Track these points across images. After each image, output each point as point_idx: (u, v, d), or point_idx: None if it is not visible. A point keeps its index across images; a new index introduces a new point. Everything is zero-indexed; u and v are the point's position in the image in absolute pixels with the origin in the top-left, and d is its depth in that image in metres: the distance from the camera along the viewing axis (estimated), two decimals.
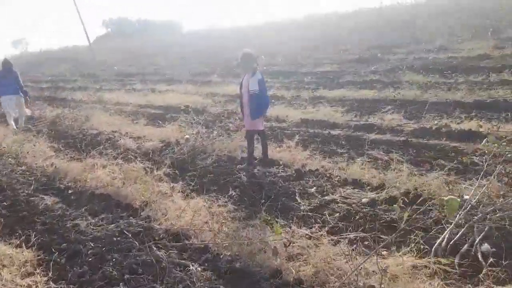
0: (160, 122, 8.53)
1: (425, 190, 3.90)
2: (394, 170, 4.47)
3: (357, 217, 3.71)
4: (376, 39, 19.37)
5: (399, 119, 6.52)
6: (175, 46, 30.91)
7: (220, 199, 4.27)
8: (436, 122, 6.04)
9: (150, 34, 43.63)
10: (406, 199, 3.10)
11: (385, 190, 4.03)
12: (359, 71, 12.21)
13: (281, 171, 5.06)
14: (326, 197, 4.16)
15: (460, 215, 3.19)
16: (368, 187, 4.29)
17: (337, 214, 3.79)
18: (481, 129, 5.36)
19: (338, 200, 4.05)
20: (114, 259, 3.31)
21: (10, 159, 6.52)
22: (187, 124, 7.56)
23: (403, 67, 10.70)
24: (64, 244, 3.63)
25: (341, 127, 6.67)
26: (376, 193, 4.07)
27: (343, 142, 5.90)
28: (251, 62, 5.18)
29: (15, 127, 8.89)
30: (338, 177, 4.64)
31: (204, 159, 5.85)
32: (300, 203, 4.06)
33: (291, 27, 33.49)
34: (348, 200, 4.05)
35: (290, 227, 3.47)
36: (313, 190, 4.41)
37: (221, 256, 3.25)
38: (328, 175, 4.78)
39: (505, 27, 16.02)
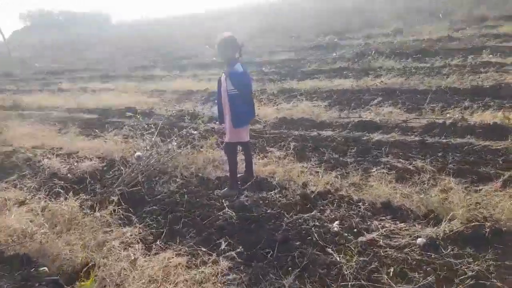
0: (98, 131, 6.70)
1: (502, 219, 2.78)
2: (435, 187, 3.33)
3: (421, 272, 2.47)
4: (327, 25, 18.58)
5: (400, 113, 5.45)
6: (106, 38, 27.89)
7: (203, 252, 2.83)
8: (447, 115, 5.02)
9: (75, 27, 39.40)
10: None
11: (444, 223, 2.84)
12: (322, 58, 11.15)
13: (279, 196, 3.69)
14: (360, 238, 2.88)
15: None
16: (411, 216, 3.09)
17: (391, 270, 2.53)
18: (509, 121, 4.42)
19: (381, 243, 2.79)
20: None
21: None
22: (134, 133, 5.87)
23: (371, 52, 9.79)
24: None
25: (331, 127, 5.45)
26: (431, 226, 2.88)
27: (343, 147, 4.68)
28: (229, 50, 3.77)
29: None
30: (361, 201, 3.39)
31: (166, 184, 4.30)
32: (330, 255, 2.73)
33: (232, 15, 31.94)
34: (394, 241, 2.81)
35: None
36: (336, 226, 3.11)
37: None
38: (345, 198, 3.50)
39: (453, 9, 15.99)
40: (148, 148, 4.81)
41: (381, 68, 8.67)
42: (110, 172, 4.91)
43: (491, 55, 7.83)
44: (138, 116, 5.48)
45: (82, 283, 2.71)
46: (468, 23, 13.07)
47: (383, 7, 19.41)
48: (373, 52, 9.76)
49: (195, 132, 5.51)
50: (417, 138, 4.49)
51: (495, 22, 12.25)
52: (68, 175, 4.85)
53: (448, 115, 5.01)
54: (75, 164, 5.19)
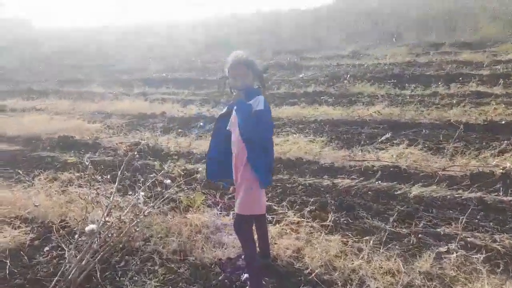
0: (21, 173, 4.87)
1: None
2: None
3: None
4: (278, 43, 17.92)
5: (422, 154, 4.51)
6: (26, 44, 24.50)
7: None
8: (488, 160, 4.17)
9: None
10: None
11: None
12: (289, 79, 10.19)
13: None
14: None
15: None
16: None
17: None
18: None
19: None
20: None
21: None
22: (78, 178, 4.24)
23: (346, 75, 9.03)
24: None
25: (345, 172, 4.33)
26: None
27: (376, 206, 3.56)
28: (248, 76, 2.51)
29: None
30: None
31: (138, 276, 2.81)
32: None
33: (177, 28, 30.32)
34: None
35: None
36: None
37: None
38: None
39: (403, 34, 16.21)
40: (105, 210, 3.24)
41: (362, 94, 7.89)
42: (44, 251, 3.26)
43: (475, 84, 7.42)
44: (86, 158, 3.85)
45: None
46: (424, 48, 13.10)
47: (331, 29, 19.31)
48: (348, 75, 9.01)
49: (167, 181, 4.02)
50: (472, 195, 3.53)
51: (451, 49, 12.35)
52: None
53: (488, 160, 4.16)
54: None
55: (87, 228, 3.09)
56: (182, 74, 13.08)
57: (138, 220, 3.35)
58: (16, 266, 3.05)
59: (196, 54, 17.42)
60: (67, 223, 3.65)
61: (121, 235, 3.25)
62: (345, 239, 3.05)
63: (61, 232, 3.39)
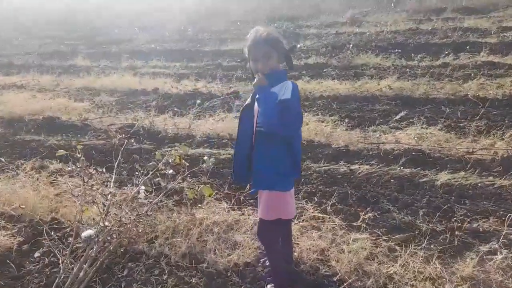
0: (3, 160, 4.42)
1: None
2: None
3: None
4: (272, 10, 17.09)
5: (443, 135, 4.16)
6: (2, 16, 23.03)
7: None
8: None
9: None
10: None
11: None
12: None
13: None
14: None
15: None
16: None
17: None
18: None
19: None
20: None
21: None
22: (68, 172, 3.82)
23: (348, 45, 8.52)
24: None
25: (362, 156, 3.97)
26: None
27: (402, 196, 3.24)
28: (273, 56, 2.06)
29: None
30: None
31: (147, 283, 2.49)
32: None
33: None
34: None
35: None
36: None
37: None
38: None
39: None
40: (102, 211, 2.86)
41: (367, 66, 7.45)
42: (34, 257, 2.90)
43: (485, 54, 7.02)
44: (78, 151, 3.39)
45: None
46: (426, 14, 12.54)
47: None
48: (351, 45, 8.50)
49: (170, 171, 3.61)
50: (506, 182, 3.22)
51: (454, 14, 11.85)
52: None
53: None
54: None
55: (83, 234, 2.72)
56: (172, 45, 12.36)
57: (141, 220, 2.99)
58: (3, 277, 2.69)
59: (187, 24, 16.53)
60: (59, 222, 3.27)
61: (122, 237, 2.90)
62: (373, 238, 2.75)
63: (52, 234, 3.02)
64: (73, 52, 12.39)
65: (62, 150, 3.10)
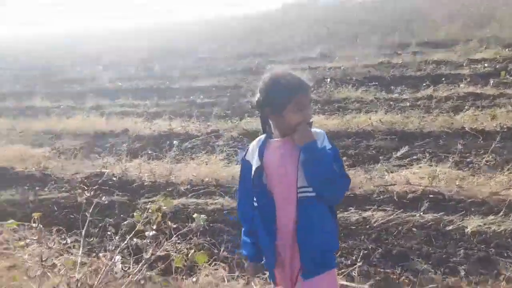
0: None
1: None
2: None
3: None
4: (240, 47, 17.10)
5: (457, 174, 3.80)
6: None
7: None
8: None
9: None
10: None
11: None
12: None
13: None
14: None
15: None
16: None
17: None
18: None
19: None
20: None
21: None
22: (21, 246, 3.04)
23: (326, 80, 8.33)
24: None
25: (372, 201, 3.52)
26: None
27: (428, 249, 2.78)
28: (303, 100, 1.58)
29: None
30: None
31: None
32: None
33: (124, 34, 28.65)
34: None
35: None
36: None
37: None
38: None
39: (366, 36, 15.99)
40: None
41: (349, 99, 7.23)
42: None
43: (464, 85, 7.01)
44: (33, 220, 2.65)
45: None
46: (392, 49, 12.86)
47: (292, 32, 18.80)
48: (329, 79, 8.32)
49: (151, 233, 2.93)
50: None
51: (419, 49, 12.18)
52: None
53: None
54: None
55: None
56: (140, 83, 11.79)
57: None
58: None
59: (150, 61, 16.09)
60: None
61: None
62: None
63: None
64: (30, 92, 11.47)
65: (12, 221, 2.41)
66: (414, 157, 4.30)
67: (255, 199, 1.67)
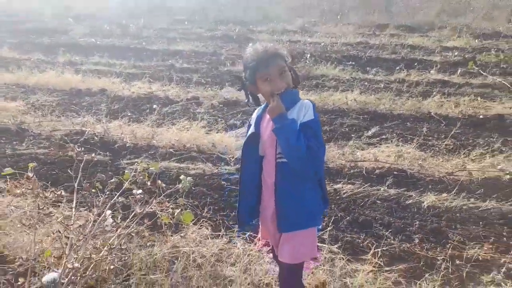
0: None
1: None
2: None
3: None
4: (219, 12, 16.76)
5: (420, 155, 4.18)
6: None
7: None
8: (490, 160, 3.98)
9: None
10: None
11: None
12: (241, 55, 9.35)
13: None
14: None
15: None
16: None
17: None
18: None
19: None
20: None
21: None
22: (16, 195, 3.12)
23: (306, 55, 8.50)
24: None
25: (343, 175, 3.84)
26: None
27: (390, 219, 3.15)
28: (288, 72, 1.83)
29: None
30: None
31: None
32: None
33: None
34: None
35: None
36: None
37: None
38: None
39: (347, 11, 16.12)
40: (66, 247, 2.32)
41: (327, 77, 7.47)
42: None
43: (434, 71, 7.42)
44: (29, 170, 2.75)
45: None
46: (370, 29, 13.12)
47: (274, 1, 18.56)
48: (308, 55, 8.49)
49: (138, 191, 3.11)
50: (489, 205, 3.27)
51: (396, 31, 12.51)
52: None
53: (485, 161, 3.98)
54: None
55: (45, 279, 2.16)
56: (115, 41, 11.43)
57: (113, 256, 2.50)
58: None
59: (128, 18, 15.51)
60: (2, 256, 2.64)
61: (90, 277, 2.39)
62: (376, 269, 2.58)
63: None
64: None
65: (9, 168, 2.50)
66: (383, 136, 4.65)
67: (246, 161, 1.90)
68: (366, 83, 7.02)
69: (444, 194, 3.45)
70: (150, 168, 3.05)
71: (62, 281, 2.18)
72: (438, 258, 2.69)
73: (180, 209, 3.00)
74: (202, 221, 3.03)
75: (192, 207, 3.30)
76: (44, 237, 2.64)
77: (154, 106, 5.70)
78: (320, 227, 1.97)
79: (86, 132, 4.70)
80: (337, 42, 10.35)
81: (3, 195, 3.30)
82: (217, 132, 4.79)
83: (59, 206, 3.14)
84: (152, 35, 12.40)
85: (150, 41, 11.53)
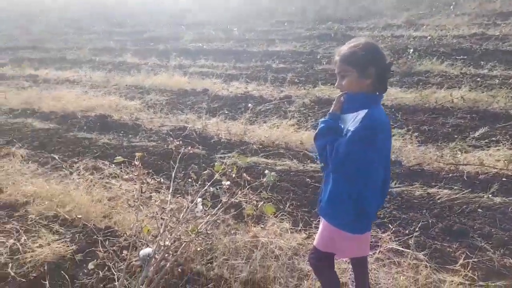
0: (57, 158, 4.42)
1: None
2: None
3: None
4: (318, 11, 16.61)
5: None
6: (52, 9, 24.03)
7: None
8: None
9: None
10: None
11: None
12: None
13: None
14: None
15: None
16: None
17: None
18: None
19: None
20: None
21: None
22: (125, 179, 3.64)
23: (409, 50, 7.95)
24: None
25: (440, 179, 3.53)
26: None
27: (491, 230, 2.80)
28: (356, 76, 1.79)
29: None
30: None
31: None
32: None
33: None
34: None
35: None
36: None
37: None
38: None
39: (464, 0, 14.51)
40: (161, 227, 2.64)
41: (431, 73, 6.88)
42: (88, 268, 2.73)
43: None
44: (136, 159, 3.18)
45: None
46: (490, 18, 11.59)
47: None
48: (411, 50, 7.93)
49: (227, 183, 3.34)
50: None
51: None
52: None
53: None
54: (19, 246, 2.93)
55: (141, 253, 2.51)
56: (219, 45, 12.22)
57: (200, 240, 2.75)
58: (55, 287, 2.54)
59: (232, 23, 16.41)
60: (113, 231, 3.10)
61: (179, 255, 2.67)
62: (468, 281, 2.34)
63: (107, 246, 2.83)
64: (122, 49, 12.57)
65: (120, 157, 2.92)
66: (493, 138, 4.12)
67: None
68: (478, 79, 6.28)
69: None
70: (238, 162, 3.25)
71: (156, 256, 2.49)
72: None
73: (263, 202, 3.15)
74: (283, 215, 3.11)
75: (275, 201, 3.41)
76: (145, 218, 3.02)
77: (249, 104, 5.98)
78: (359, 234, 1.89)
79: (188, 128, 5.17)
80: (446, 35, 9.41)
81: (117, 180, 3.86)
82: (306, 130, 4.82)
83: (159, 192, 3.55)
84: (253, 38, 12.92)
85: (251, 43, 12.04)
